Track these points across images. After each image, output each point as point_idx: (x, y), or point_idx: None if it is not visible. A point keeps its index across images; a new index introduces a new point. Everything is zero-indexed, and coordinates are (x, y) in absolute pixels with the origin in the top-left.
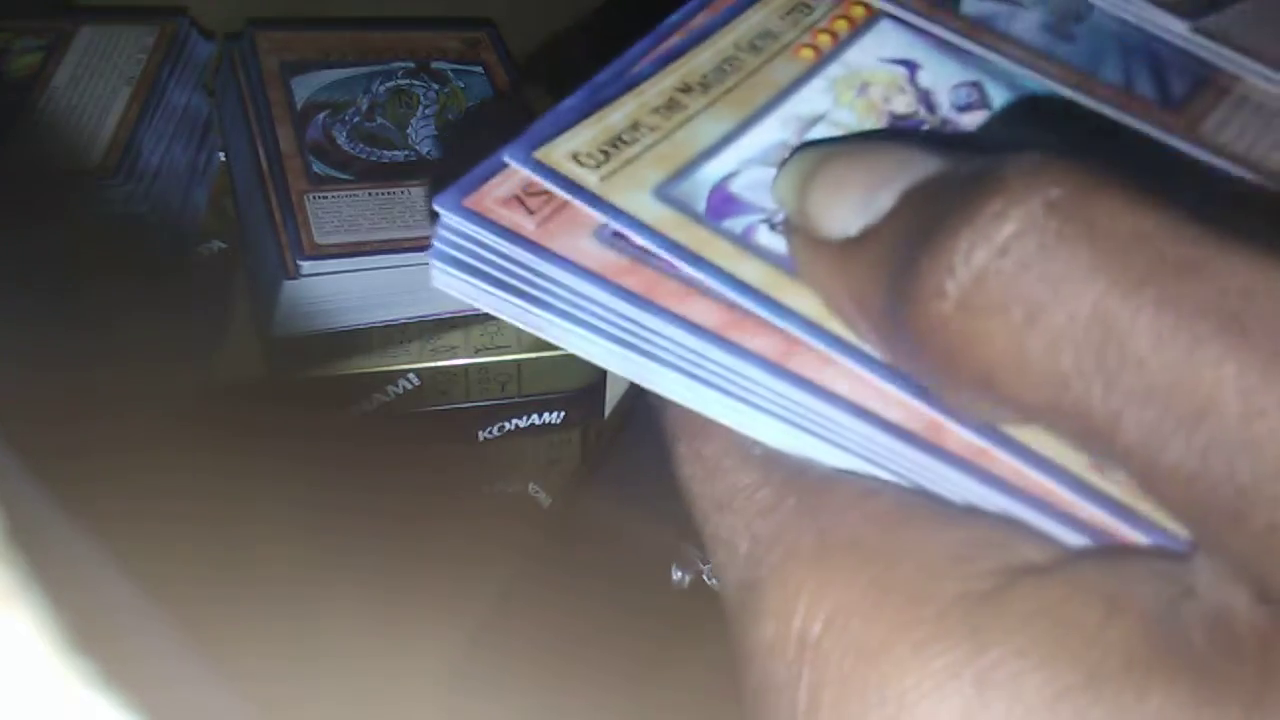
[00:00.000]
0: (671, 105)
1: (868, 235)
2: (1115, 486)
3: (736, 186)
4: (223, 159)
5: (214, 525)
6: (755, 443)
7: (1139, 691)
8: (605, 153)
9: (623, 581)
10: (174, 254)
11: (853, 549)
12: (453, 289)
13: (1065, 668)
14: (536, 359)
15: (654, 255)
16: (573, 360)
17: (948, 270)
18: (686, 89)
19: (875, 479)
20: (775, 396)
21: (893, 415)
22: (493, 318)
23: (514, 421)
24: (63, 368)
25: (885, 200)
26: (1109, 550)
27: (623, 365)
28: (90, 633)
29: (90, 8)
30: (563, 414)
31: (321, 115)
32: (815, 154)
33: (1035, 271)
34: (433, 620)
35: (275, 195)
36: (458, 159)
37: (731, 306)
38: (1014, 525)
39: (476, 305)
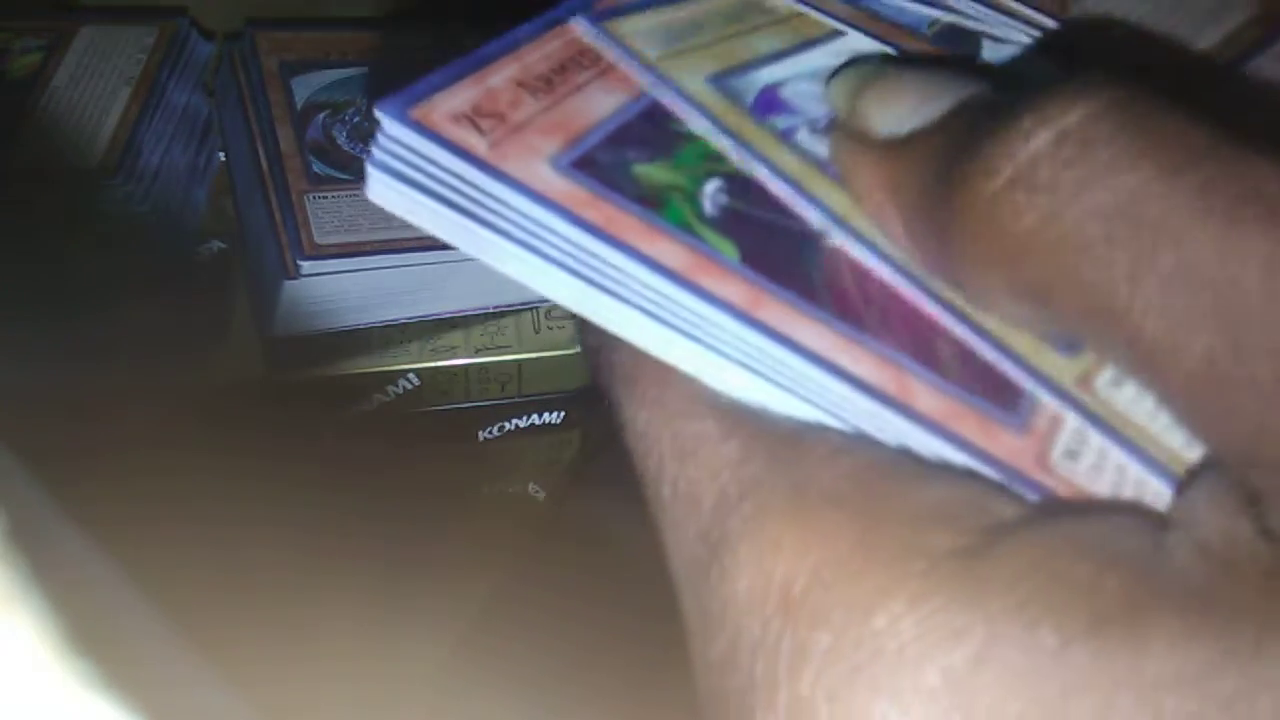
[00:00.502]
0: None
1: (916, 136)
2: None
3: (785, 93)
4: (223, 159)
5: (212, 525)
6: (719, 393)
7: (1145, 631)
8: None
9: (616, 580)
10: (174, 254)
11: (833, 504)
12: (391, 204)
13: (1068, 618)
14: (536, 359)
15: (614, 190)
16: (573, 360)
17: (1005, 152)
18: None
19: (848, 434)
20: (742, 345)
21: (862, 372)
22: (493, 317)
23: (514, 421)
24: (62, 368)
25: (936, 108)
26: (1083, 506)
27: (578, 300)
28: (89, 634)
29: (90, 8)
30: (563, 414)
31: (321, 115)
32: (872, 64)
33: (1086, 157)
34: (433, 620)
35: (275, 195)
36: None
37: (696, 250)
38: (987, 483)
39: (418, 223)
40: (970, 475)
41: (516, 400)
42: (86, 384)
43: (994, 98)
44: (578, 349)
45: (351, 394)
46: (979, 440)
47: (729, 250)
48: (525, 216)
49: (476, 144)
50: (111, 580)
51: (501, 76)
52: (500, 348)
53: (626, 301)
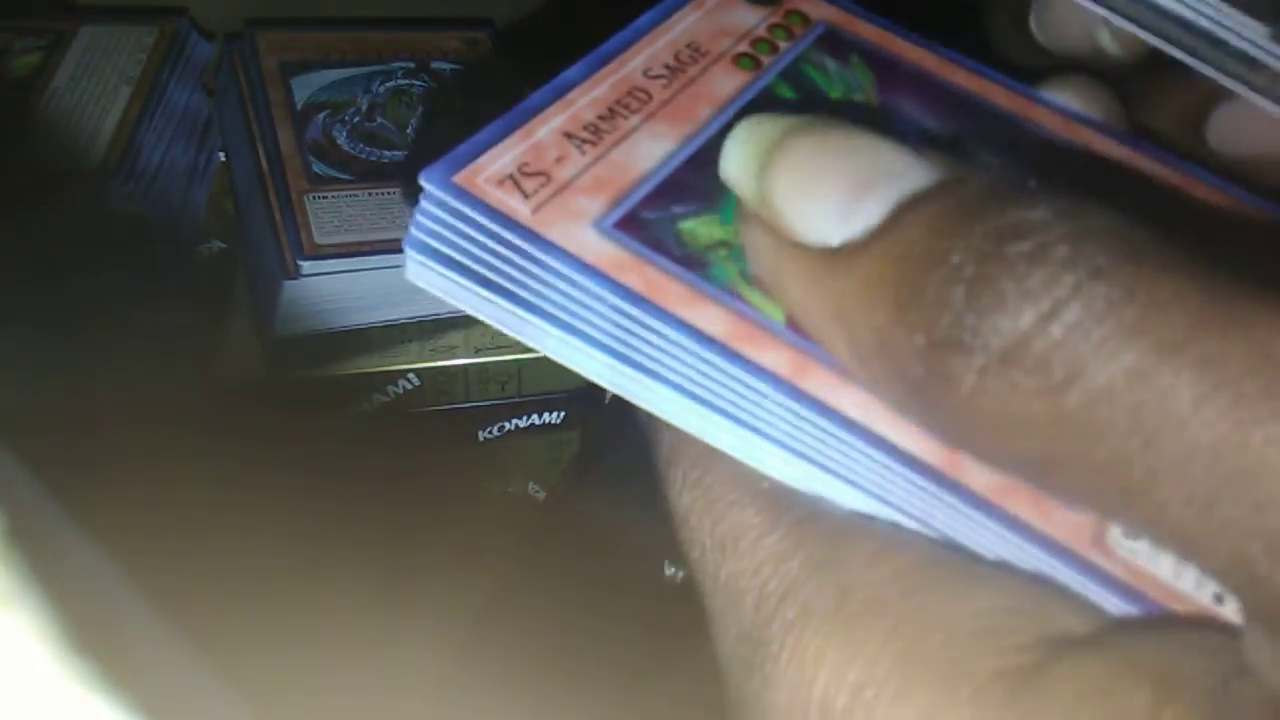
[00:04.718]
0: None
1: (856, 251)
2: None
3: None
4: (223, 159)
5: (212, 525)
6: (762, 476)
7: None
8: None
9: (615, 578)
10: (174, 254)
11: (877, 614)
12: (428, 283)
13: None
14: (536, 359)
15: (657, 251)
16: None
17: (990, 327)
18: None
19: (895, 529)
20: (785, 420)
21: (910, 445)
22: None
23: (514, 421)
24: (62, 367)
25: (873, 209)
26: (1152, 621)
27: (616, 379)
28: (89, 634)
29: (90, 8)
30: (563, 414)
31: (321, 115)
32: (773, 128)
33: (1080, 334)
34: (433, 620)
35: (275, 195)
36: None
37: (739, 315)
38: (1047, 588)
39: (453, 303)
40: (1030, 579)
41: (516, 400)
42: (86, 384)
43: (944, 194)
44: None
45: (351, 394)
46: (1033, 519)
47: (775, 313)
48: (566, 286)
49: (519, 208)
50: (111, 580)
51: (549, 129)
52: (500, 348)
53: (665, 381)
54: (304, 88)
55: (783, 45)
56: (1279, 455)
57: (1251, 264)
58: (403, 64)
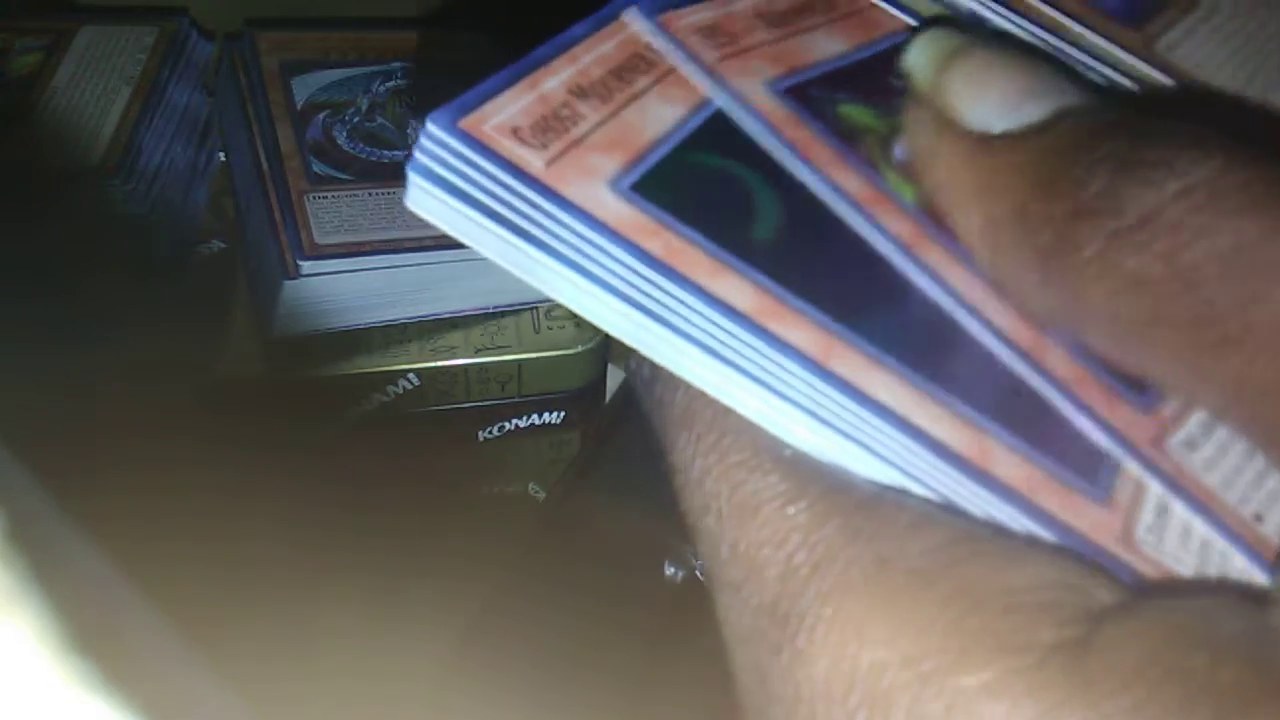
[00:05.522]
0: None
1: (1015, 139)
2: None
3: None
4: (223, 159)
5: (213, 526)
6: (785, 444)
7: None
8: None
9: (614, 578)
10: (174, 254)
11: (924, 585)
12: (433, 213)
13: (1189, 718)
14: (536, 359)
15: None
16: (573, 360)
17: (1133, 194)
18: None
19: (928, 503)
20: (812, 393)
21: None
22: (493, 317)
23: (514, 421)
24: (61, 367)
25: (1034, 111)
26: (1183, 588)
27: (632, 331)
28: (89, 634)
29: (90, 8)
30: (563, 414)
31: (321, 115)
32: (957, 37)
33: (1211, 206)
34: (432, 620)
35: (275, 195)
36: None
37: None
38: (1080, 562)
39: (460, 236)
40: (1060, 552)
41: (516, 400)
42: (85, 384)
43: (1096, 112)
44: (579, 349)
45: (351, 394)
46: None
47: (906, 192)
48: (581, 240)
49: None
50: (111, 580)
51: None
52: (500, 348)
53: (686, 336)
54: (304, 88)
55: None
56: None
57: None
58: (402, 64)
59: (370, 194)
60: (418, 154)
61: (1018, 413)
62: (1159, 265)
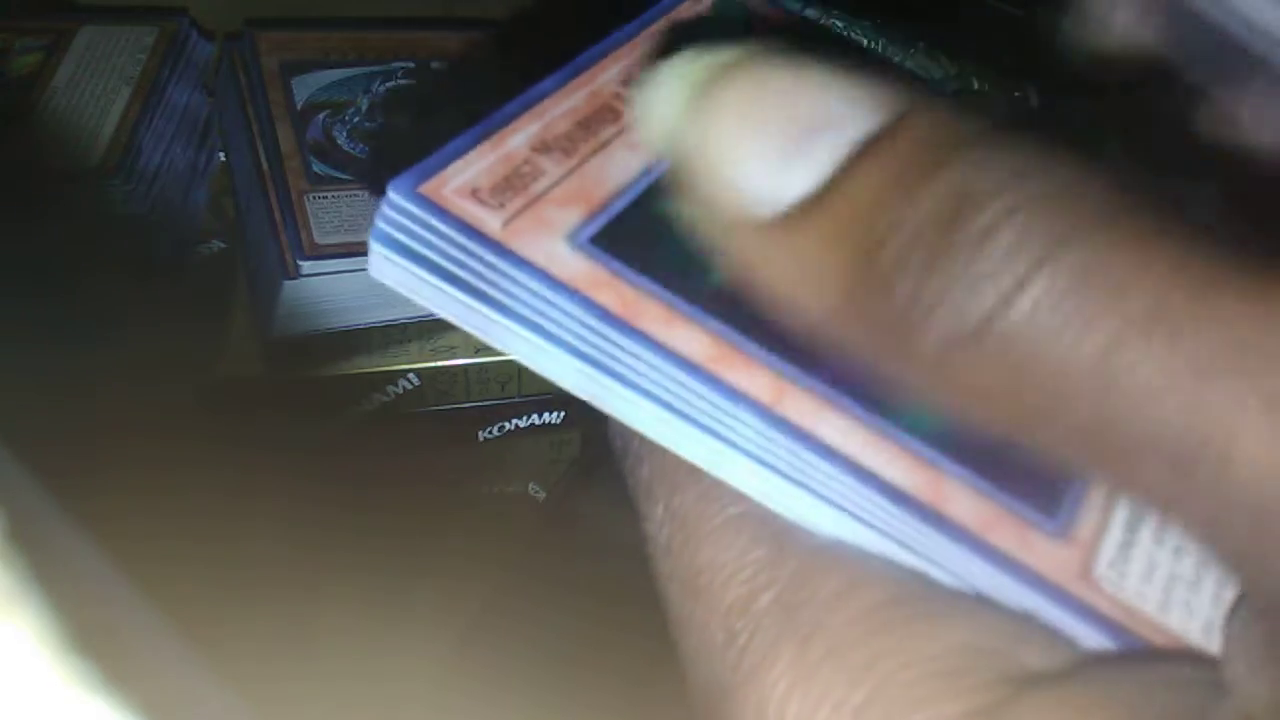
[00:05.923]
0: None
1: (813, 207)
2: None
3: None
4: (223, 159)
5: (213, 526)
6: (732, 499)
7: None
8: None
9: (614, 577)
10: (174, 254)
11: (838, 664)
12: (394, 280)
13: None
14: None
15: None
16: None
17: (953, 307)
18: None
19: (864, 561)
20: (763, 442)
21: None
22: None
23: (514, 421)
24: (61, 367)
25: (824, 155)
26: (1124, 656)
27: (588, 387)
28: (89, 634)
29: (90, 8)
30: (563, 414)
31: (321, 115)
32: (699, 65)
33: (1044, 312)
34: (433, 620)
35: (275, 195)
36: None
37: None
38: (1018, 623)
39: (420, 301)
40: (1001, 613)
41: (516, 400)
42: (85, 384)
43: (889, 147)
44: None
45: (351, 394)
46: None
47: None
48: (535, 297)
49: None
50: (111, 580)
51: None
52: None
53: (637, 389)
54: (304, 88)
55: None
56: (1248, 425)
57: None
58: (402, 64)
59: (370, 194)
60: (379, 221)
61: (973, 446)
62: (1007, 381)
